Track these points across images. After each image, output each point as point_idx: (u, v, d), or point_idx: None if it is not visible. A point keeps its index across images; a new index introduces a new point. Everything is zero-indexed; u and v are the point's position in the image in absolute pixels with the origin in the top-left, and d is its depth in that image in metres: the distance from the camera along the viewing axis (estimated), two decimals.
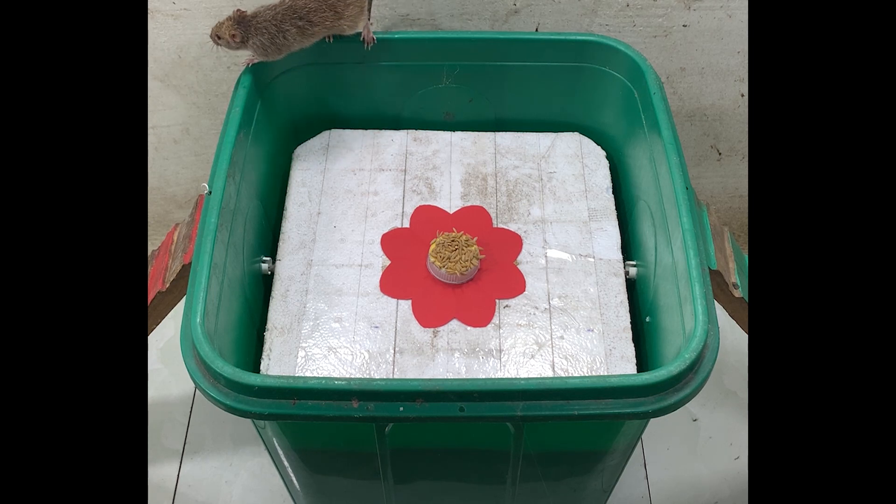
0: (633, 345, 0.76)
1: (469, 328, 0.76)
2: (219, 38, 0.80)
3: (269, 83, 0.86)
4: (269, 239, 0.85)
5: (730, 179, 1.19)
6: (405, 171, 0.89)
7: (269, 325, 0.77)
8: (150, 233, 1.25)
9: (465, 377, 0.73)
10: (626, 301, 0.78)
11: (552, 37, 0.88)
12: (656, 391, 0.63)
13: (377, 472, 0.77)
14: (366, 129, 0.93)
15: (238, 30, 0.79)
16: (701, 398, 1.13)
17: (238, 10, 0.79)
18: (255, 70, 0.83)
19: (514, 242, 0.83)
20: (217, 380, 0.63)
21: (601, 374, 0.73)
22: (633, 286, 0.82)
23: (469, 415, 0.62)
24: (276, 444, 0.74)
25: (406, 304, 0.78)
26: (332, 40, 0.84)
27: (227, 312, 0.71)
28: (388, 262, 0.81)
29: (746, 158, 1.15)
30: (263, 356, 0.75)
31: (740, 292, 0.77)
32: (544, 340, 0.75)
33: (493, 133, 0.93)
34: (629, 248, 0.85)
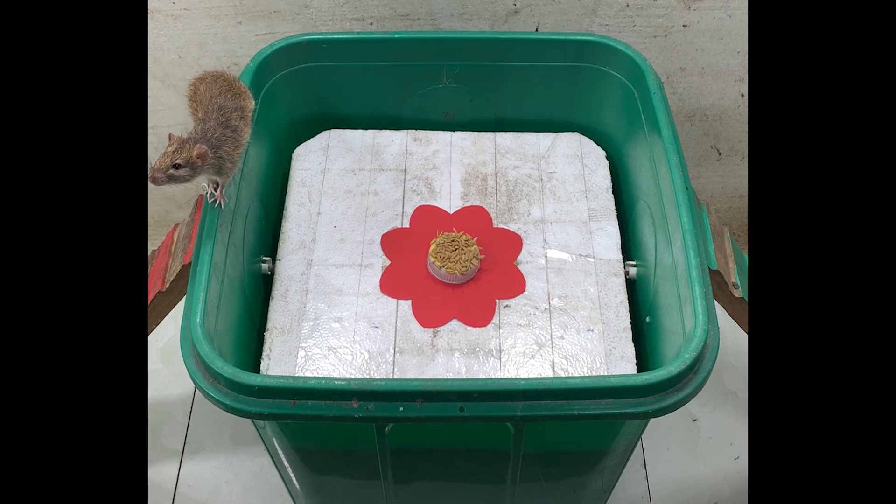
0: (633, 345, 0.76)
1: (469, 328, 0.76)
2: (177, 167, 0.65)
3: (269, 83, 0.86)
4: (269, 239, 0.85)
5: (730, 179, 1.19)
6: (405, 171, 0.89)
7: (269, 325, 0.77)
8: (150, 233, 1.25)
9: (465, 377, 0.72)
10: (626, 301, 0.78)
11: (552, 37, 0.88)
12: (656, 391, 0.63)
13: (377, 472, 0.77)
14: (366, 129, 0.93)
15: (200, 146, 0.66)
16: (701, 398, 1.12)
17: (172, 134, 0.67)
18: (254, 70, 0.82)
19: (514, 242, 0.83)
20: (217, 380, 0.63)
21: (601, 374, 0.73)
22: (633, 286, 0.82)
23: (469, 415, 0.62)
24: (276, 444, 0.74)
25: (406, 304, 0.78)
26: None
27: (227, 312, 0.71)
28: (388, 262, 0.81)
29: (746, 158, 1.15)
30: (263, 356, 0.75)
31: (740, 292, 0.77)
32: (544, 340, 0.75)
33: (493, 133, 0.93)
34: (629, 248, 0.85)
